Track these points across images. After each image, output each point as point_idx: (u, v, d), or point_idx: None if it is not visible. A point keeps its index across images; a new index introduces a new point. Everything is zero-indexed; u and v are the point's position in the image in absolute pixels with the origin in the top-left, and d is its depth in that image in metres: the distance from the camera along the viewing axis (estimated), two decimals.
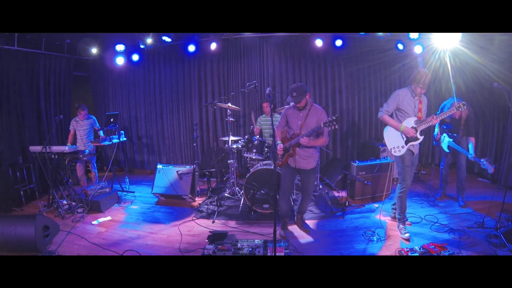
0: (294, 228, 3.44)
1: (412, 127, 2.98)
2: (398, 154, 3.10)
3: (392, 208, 3.54)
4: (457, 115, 3.82)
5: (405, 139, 3.04)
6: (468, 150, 3.63)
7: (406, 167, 3.08)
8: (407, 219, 3.32)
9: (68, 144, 4.75)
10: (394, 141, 3.12)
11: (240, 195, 4.25)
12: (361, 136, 5.83)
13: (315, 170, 3.27)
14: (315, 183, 3.46)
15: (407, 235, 3.05)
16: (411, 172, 3.14)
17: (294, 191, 4.20)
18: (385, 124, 3.17)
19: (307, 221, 3.55)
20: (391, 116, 3.13)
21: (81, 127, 4.82)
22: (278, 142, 3.20)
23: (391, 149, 3.14)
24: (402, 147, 3.06)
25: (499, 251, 2.71)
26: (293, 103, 3.09)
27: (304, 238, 3.24)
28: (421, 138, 3.00)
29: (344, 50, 5.36)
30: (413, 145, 3.04)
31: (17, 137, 4.71)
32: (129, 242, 3.25)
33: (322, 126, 2.83)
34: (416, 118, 3.00)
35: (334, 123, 2.74)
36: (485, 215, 3.37)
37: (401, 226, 3.16)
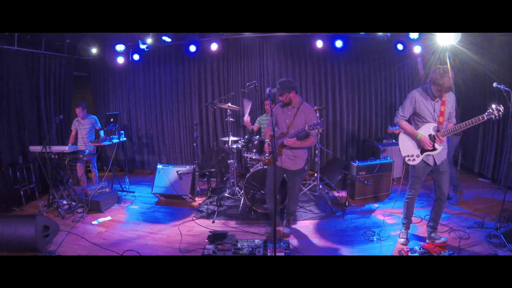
0: (295, 228, 3.44)
1: (430, 135, 2.64)
2: (412, 163, 2.79)
3: (428, 226, 3.01)
4: None
5: (420, 148, 2.74)
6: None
7: (416, 177, 2.81)
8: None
9: (69, 144, 4.76)
10: (408, 148, 2.80)
11: (240, 195, 4.25)
12: (361, 136, 5.83)
13: (301, 171, 3.18)
14: (301, 184, 3.21)
15: (402, 240, 2.96)
16: (446, 179, 2.77)
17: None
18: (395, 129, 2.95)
19: (306, 221, 3.55)
20: (408, 120, 2.80)
21: (82, 126, 4.83)
22: (266, 140, 3.20)
23: (404, 156, 2.83)
24: (417, 156, 2.75)
25: (499, 251, 2.71)
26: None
27: (304, 238, 3.24)
28: (439, 148, 2.64)
29: (344, 50, 5.36)
30: (428, 155, 2.70)
31: (17, 137, 4.70)
32: (129, 242, 3.25)
33: (306, 129, 2.79)
34: (436, 124, 2.63)
35: (318, 126, 2.71)
36: (485, 215, 3.37)
37: (403, 230, 3.05)
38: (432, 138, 2.64)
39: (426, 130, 2.66)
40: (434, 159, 2.71)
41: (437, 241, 2.87)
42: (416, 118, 2.75)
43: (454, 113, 2.70)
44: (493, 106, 2.37)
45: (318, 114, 4.32)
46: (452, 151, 3.66)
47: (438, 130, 2.63)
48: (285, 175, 3.30)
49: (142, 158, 6.45)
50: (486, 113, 2.39)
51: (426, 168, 2.78)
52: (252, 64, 5.63)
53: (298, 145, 2.96)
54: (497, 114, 2.37)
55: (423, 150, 2.71)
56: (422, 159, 2.73)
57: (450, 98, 2.64)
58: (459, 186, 3.90)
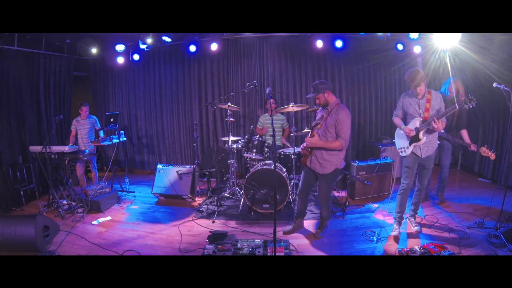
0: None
1: (416, 128, 2.97)
2: (403, 154, 3.14)
3: (410, 210, 3.37)
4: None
5: (409, 140, 3.05)
6: (464, 143, 3.54)
7: (406, 167, 3.11)
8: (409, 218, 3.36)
9: (69, 144, 4.75)
10: (401, 142, 3.18)
11: (240, 195, 4.25)
12: (361, 136, 5.83)
13: (329, 177, 3.05)
14: (330, 193, 3.16)
15: (395, 232, 3.11)
16: (426, 174, 3.14)
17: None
18: (395, 127, 3.26)
19: (306, 221, 3.55)
20: (403, 119, 3.22)
21: (82, 126, 4.83)
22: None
23: (399, 149, 3.20)
24: (407, 147, 3.08)
25: (499, 251, 2.71)
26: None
27: (304, 238, 3.24)
28: (423, 139, 2.95)
29: (344, 50, 5.34)
30: (416, 146, 3.01)
31: (17, 137, 4.70)
32: (129, 242, 3.25)
33: (312, 125, 2.92)
34: (421, 119, 2.96)
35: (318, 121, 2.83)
36: (485, 215, 3.37)
37: (395, 225, 3.18)
38: (417, 130, 2.97)
39: (412, 124, 3.02)
40: (420, 151, 3.02)
41: (413, 228, 3.24)
42: (407, 116, 3.15)
43: (444, 113, 2.83)
44: (463, 100, 2.77)
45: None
46: (449, 156, 3.84)
47: (421, 125, 2.95)
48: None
49: (142, 158, 6.45)
50: (460, 105, 2.76)
51: (415, 160, 3.08)
52: (252, 64, 5.63)
53: (321, 145, 2.90)
54: (470, 104, 2.73)
55: (411, 142, 3.04)
56: (411, 151, 3.06)
57: (436, 97, 2.94)
58: (444, 189, 4.00)
